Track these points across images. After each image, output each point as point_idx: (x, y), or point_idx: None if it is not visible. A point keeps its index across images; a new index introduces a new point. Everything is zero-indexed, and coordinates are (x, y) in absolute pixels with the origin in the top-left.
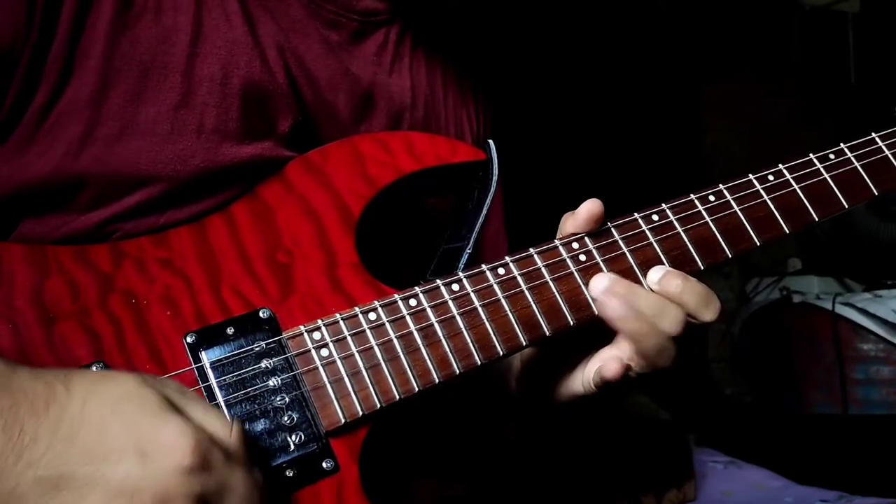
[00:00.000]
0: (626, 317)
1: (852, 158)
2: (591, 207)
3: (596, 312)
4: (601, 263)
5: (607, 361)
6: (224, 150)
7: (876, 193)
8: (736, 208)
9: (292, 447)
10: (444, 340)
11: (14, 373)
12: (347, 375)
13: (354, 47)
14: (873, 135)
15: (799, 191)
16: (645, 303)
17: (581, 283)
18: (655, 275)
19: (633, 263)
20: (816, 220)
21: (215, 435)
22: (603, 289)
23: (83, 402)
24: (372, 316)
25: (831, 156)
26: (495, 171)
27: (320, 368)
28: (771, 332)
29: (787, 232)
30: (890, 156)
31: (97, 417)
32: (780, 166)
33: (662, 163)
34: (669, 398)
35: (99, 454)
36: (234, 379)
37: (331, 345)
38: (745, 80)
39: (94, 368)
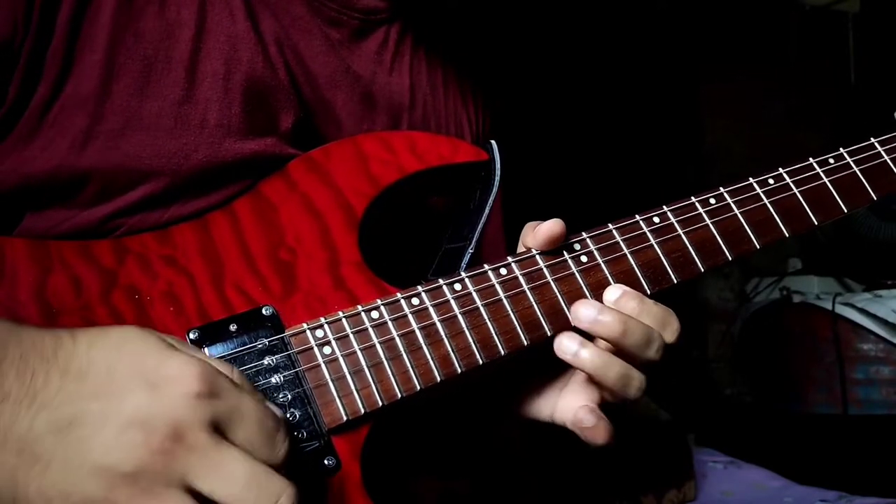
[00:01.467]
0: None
1: (851, 163)
2: (551, 228)
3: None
4: (602, 265)
5: (579, 414)
6: (227, 145)
7: (875, 198)
8: (736, 211)
9: (294, 444)
10: (446, 339)
11: (21, 328)
12: (350, 373)
13: (355, 45)
14: (872, 140)
15: (799, 195)
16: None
17: (583, 284)
18: (611, 295)
19: (635, 265)
20: (816, 224)
21: (219, 367)
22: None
23: (88, 346)
24: (374, 314)
25: (831, 160)
26: (497, 171)
27: (322, 366)
28: (771, 332)
29: (787, 235)
30: (889, 161)
31: (103, 358)
32: (780, 170)
33: (662, 163)
34: (669, 398)
35: (108, 390)
36: None
37: (333, 342)
38: (744, 80)
39: None
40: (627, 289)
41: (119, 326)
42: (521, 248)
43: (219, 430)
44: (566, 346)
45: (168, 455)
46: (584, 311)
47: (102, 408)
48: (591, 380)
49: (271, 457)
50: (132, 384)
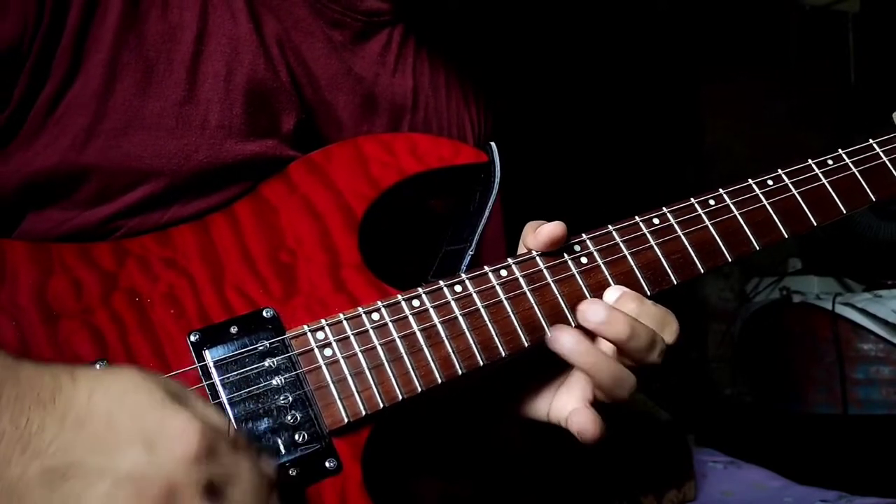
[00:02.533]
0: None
1: (850, 165)
2: (552, 230)
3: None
4: (603, 266)
5: (576, 416)
6: (228, 146)
7: (874, 199)
8: (735, 213)
9: (295, 446)
10: (446, 341)
11: (20, 365)
12: (350, 375)
13: (358, 47)
14: (871, 141)
15: (798, 196)
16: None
17: (583, 286)
18: (611, 296)
19: (634, 266)
20: (815, 225)
21: (218, 427)
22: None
23: (89, 393)
24: (375, 316)
25: (830, 161)
26: (497, 173)
27: (323, 368)
28: (771, 332)
29: (786, 236)
30: (888, 162)
31: (104, 408)
32: (780, 171)
33: (662, 163)
34: (669, 398)
35: (106, 444)
36: (238, 378)
37: (334, 344)
38: (745, 80)
39: (97, 367)
40: (627, 290)
41: (123, 371)
42: (521, 249)
43: (213, 491)
44: (562, 340)
45: None
46: (592, 312)
47: (98, 462)
48: (585, 378)
49: None
50: (131, 439)
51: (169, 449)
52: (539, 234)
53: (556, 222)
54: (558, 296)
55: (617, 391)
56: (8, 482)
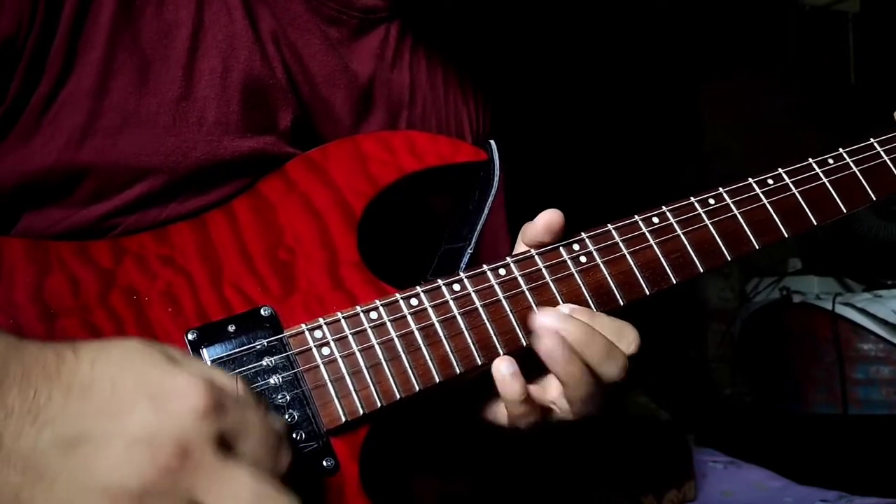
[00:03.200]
0: (563, 357)
1: (851, 164)
2: (549, 217)
3: None
4: (602, 265)
5: (503, 360)
6: (225, 143)
7: (874, 198)
8: (735, 212)
9: (292, 445)
10: (444, 340)
11: (23, 343)
12: (348, 374)
13: (355, 44)
14: (871, 140)
15: (798, 195)
16: (589, 346)
17: (582, 285)
18: (563, 311)
19: (634, 265)
20: (815, 224)
21: (223, 383)
22: (545, 325)
23: (92, 363)
24: (373, 315)
25: (830, 161)
26: (496, 171)
27: (321, 367)
28: (771, 332)
29: (787, 236)
30: (888, 161)
31: (107, 375)
32: (780, 170)
33: (662, 162)
34: (669, 398)
35: (113, 407)
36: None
37: (332, 343)
38: (744, 80)
39: None
40: (576, 306)
41: (122, 339)
42: (519, 248)
43: (224, 444)
44: (541, 320)
45: (174, 472)
46: (544, 318)
47: (107, 425)
48: (558, 385)
49: (276, 468)
50: (137, 400)
51: (176, 406)
52: (536, 221)
53: (552, 209)
54: (557, 295)
55: (585, 406)
56: (21, 453)
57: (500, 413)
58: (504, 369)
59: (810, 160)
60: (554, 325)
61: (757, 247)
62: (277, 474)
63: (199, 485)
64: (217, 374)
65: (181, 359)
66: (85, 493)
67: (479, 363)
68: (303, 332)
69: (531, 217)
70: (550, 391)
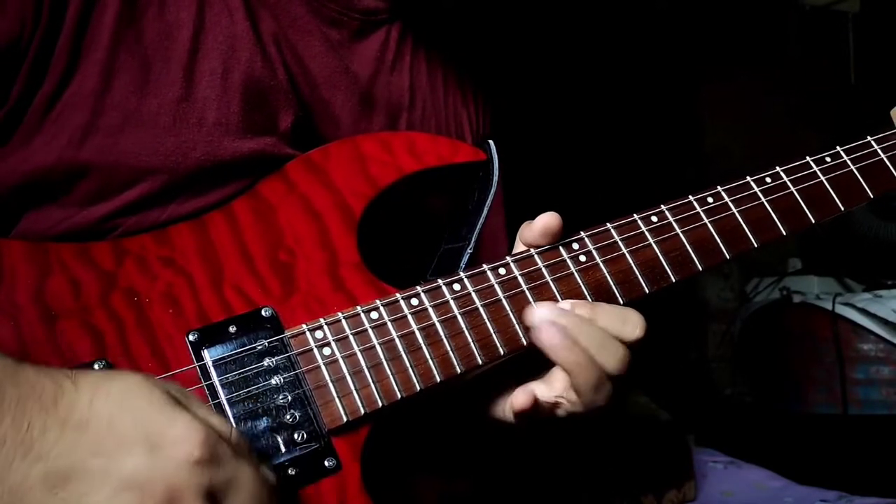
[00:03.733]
0: (564, 346)
1: (848, 161)
2: (547, 221)
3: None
4: (601, 264)
5: (517, 393)
6: (225, 143)
7: (872, 196)
8: (734, 210)
9: (294, 445)
10: (445, 340)
11: (21, 368)
12: (349, 374)
13: (355, 45)
14: (869, 138)
15: (796, 193)
16: (586, 334)
17: (581, 284)
18: (563, 307)
19: (633, 264)
20: (813, 222)
21: (220, 431)
22: (542, 317)
23: (91, 397)
24: (374, 315)
25: (827, 159)
26: (496, 172)
27: (322, 367)
28: (771, 332)
29: (785, 234)
30: (885, 159)
31: (106, 412)
32: (777, 169)
33: (662, 163)
34: (669, 398)
35: (108, 447)
36: (237, 377)
37: (333, 343)
38: (744, 80)
39: (96, 366)
40: (578, 301)
41: (124, 374)
42: (518, 247)
43: (214, 497)
44: (538, 313)
45: None
46: (540, 311)
47: (100, 465)
48: (565, 377)
49: None
50: (132, 443)
51: (171, 453)
52: (533, 225)
53: (550, 213)
54: (557, 294)
55: (594, 395)
56: (10, 486)
57: (507, 410)
58: (518, 404)
59: (808, 158)
60: (549, 316)
61: (755, 245)
62: None
63: None
64: (215, 420)
65: (182, 399)
66: None
67: (480, 362)
68: (304, 333)
69: (530, 217)
70: (556, 385)
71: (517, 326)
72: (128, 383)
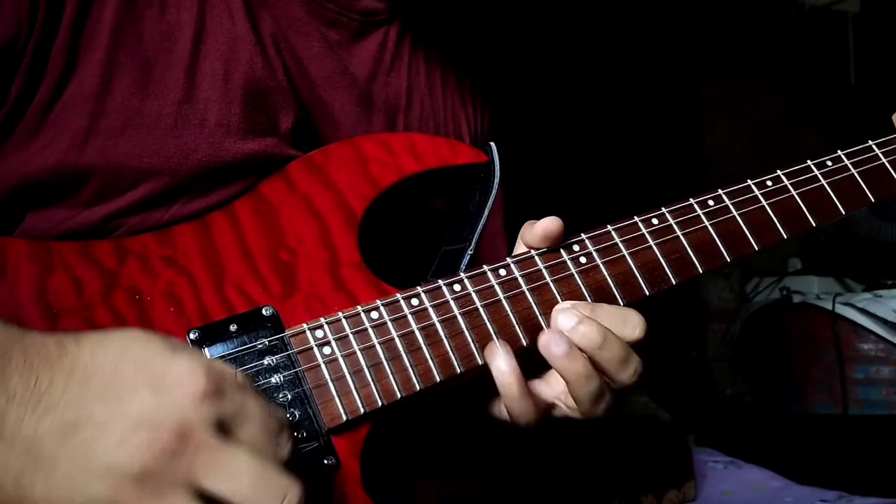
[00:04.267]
0: (563, 354)
1: (849, 166)
2: (547, 225)
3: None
4: (601, 266)
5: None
6: (227, 145)
7: (873, 200)
8: (735, 213)
9: (294, 444)
10: (445, 340)
11: (26, 332)
12: (349, 373)
13: (354, 46)
14: (870, 142)
15: (797, 197)
16: (585, 336)
17: (582, 285)
18: (564, 306)
19: (633, 266)
20: (814, 225)
21: (223, 369)
22: (563, 326)
23: (92, 350)
24: (374, 314)
25: (829, 163)
26: (496, 173)
27: (322, 366)
28: (771, 332)
29: (785, 237)
30: (887, 163)
31: (108, 362)
32: (779, 172)
33: (662, 163)
34: (669, 398)
35: (113, 392)
36: None
37: (333, 342)
38: (744, 80)
39: None
40: (578, 302)
41: (122, 329)
42: (519, 247)
43: (224, 429)
44: (553, 347)
45: (174, 455)
46: (563, 319)
47: (108, 410)
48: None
49: (276, 455)
50: (137, 386)
51: (176, 390)
52: (535, 229)
53: (552, 217)
54: (557, 296)
55: (591, 405)
56: (24, 439)
57: (503, 409)
58: (502, 366)
59: (809, 162)
60: (567, 325)
61: (756, 248)
62: (278, 459)
63: (198, 467)
64: (216, 362)
65: (181, 347)
66: (85, 477)
67: (480, 363)
68: (304, 332)
69: (530, 218)
70: (555, 386)
71: (517, 327)
72: (127, 335)
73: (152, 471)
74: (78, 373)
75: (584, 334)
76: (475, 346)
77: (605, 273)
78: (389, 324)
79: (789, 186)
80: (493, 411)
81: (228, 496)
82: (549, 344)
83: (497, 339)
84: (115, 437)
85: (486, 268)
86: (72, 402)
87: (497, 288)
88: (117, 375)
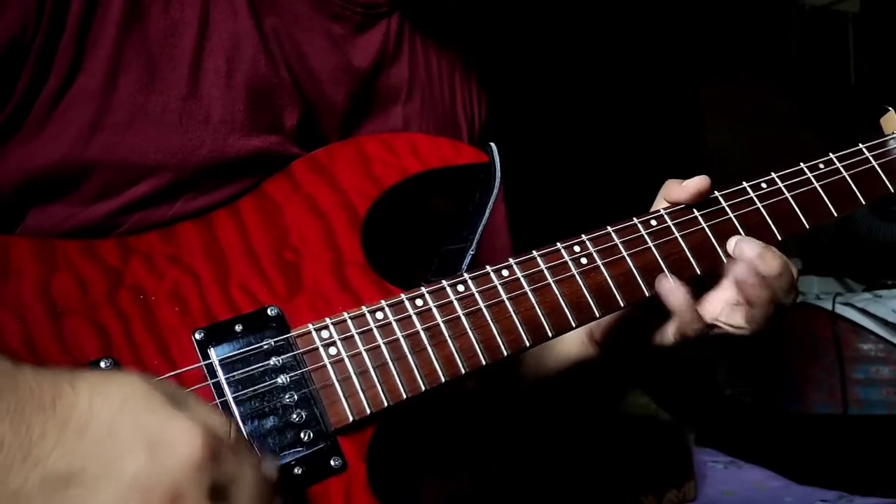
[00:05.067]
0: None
1: (841, 168)
2: (700, 183)
3: (598, 315)
4: (602, 267)
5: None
6: (231, 141)
7: (864, 202)
8: (731, 214)
9: (300, 445)
10: (449, 340)
11: (19, 371)
12: (355, 374)
13: (358, 39)
14: (860, 145)
15: (790, 199)
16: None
17: (583, 286)
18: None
19: (633, 267)
20: (807, 227)
21: (219, 430)
22: (743, 254)
23: (90, 399)
24: (379, 315)
25: (821, 165)
26: (497, 173)
27: (328, 366)
28: (771, 332)
29: (780, 239)
30: (876, 166)
31: (105, 414)
32: (773, 174)
33: (662, 162)
34: (669, 398)
35: (109, 450)
36: (243, 376)
37: (339, 343)
38: (744, 80)
39: (102, 364)
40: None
41: (122, 377)
42: (660, 204)
43: (218, 494)
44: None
45: None
46: (749, 247)
47: (101, 468)
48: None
49: None
50: (133, 445)
51: (172, 454)
52: (687, 186)
53: (703, 176)
54: (559, 296)
55: (765, 325)
56: (10, 491)
57: (667, 332)
58: (678, 296)
59: (801, 165)
60: (750, 255)
61: None
62: None
63: None
64: (214, 418)
65: (181, 399)
66: None
67: (484, 363)
68: (309, 332)
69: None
70: (712, 311)
71: (520, 327)
72: (126, 385)
73: None
74: (72, 423)
75: (769, 263)
76: (479, 346)
77: (606, 274)
78: (394, 324)
79: (783, 189)
80: (659, 335)
81: None
82: (741, 273)
83: (667, 272)
84: (106, 498)
85: (489, 268)
86: (64, 455)
87: (500, 289)
88: (114, 430)
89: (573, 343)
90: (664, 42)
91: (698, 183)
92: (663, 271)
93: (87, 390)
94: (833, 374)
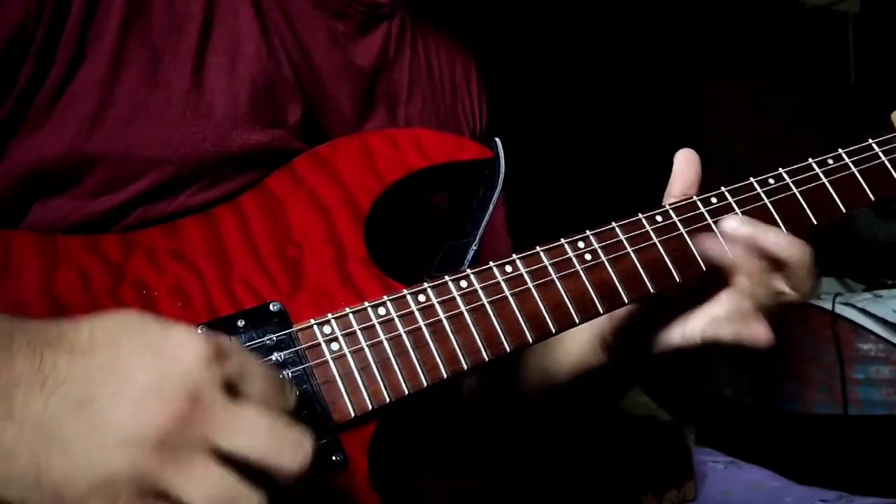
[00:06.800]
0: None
1: (850, 164)
2: (686, 154)
3: (602, 311)
4: (606, 263)
5: (750, 326)
6: (234, 135)
7: (873, 199)
8: (737, 210)
9: None
10: (452, 336)
11: (25, 319)
12: (357, 370)
13: (360, 39)
14: (871, 141)
15: (798, 195)
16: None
17: (587, 282)
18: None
19: (638, 263)
20: (815, 223)
21: (218, 336)
22: (727, 230)
23: (90, 330)
24: (381, 310)
25: (830, 161)
26: (502, 169)
27: (330, 362)
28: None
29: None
30: (886, 162)
31: (108, 337)
32: (781, 170)
33: (662, 162)
34: (669, 398)
35: (118, 364)
36: None
37: (341, 339)
38: (744, 80)
39: None
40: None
41: (116, 311)
42: (668, 199)
43: (231, 388)
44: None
45: (188, 419)
46: (731, 223)
47: (115, 381)
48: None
49: (285, 405)
50: (140, 356)
51: (179, 358)
52: (676, 174)
53: (683, 149)
54: (562, 292)
55: (814, 292)
56: (34, 419)
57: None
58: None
59: (810, 160)
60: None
61: None
62: (287, 410)
63: (214, 427)
64: (209, 330)
65: (174, 321)
66: (103, 451)
67: (487, 359)
68: (311, 328)
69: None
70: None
71: (523, 323)
72: (121, 315)
73: (169, 437)
74: (79, 349)
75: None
76: (482, 342)
77: (610, 270)
78: (396, 320)
79: (791, 184)
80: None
81: (247, 451)
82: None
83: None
84: (126, 407)
85: (492, 264)
86: (77, 377)
87: (503, 284)
88: (119, 348)
89: (584, 351)
90: (663, 41)
91: (684, 156)
92: (669, 267)
93: (86, 324)
94: (833, 374)
